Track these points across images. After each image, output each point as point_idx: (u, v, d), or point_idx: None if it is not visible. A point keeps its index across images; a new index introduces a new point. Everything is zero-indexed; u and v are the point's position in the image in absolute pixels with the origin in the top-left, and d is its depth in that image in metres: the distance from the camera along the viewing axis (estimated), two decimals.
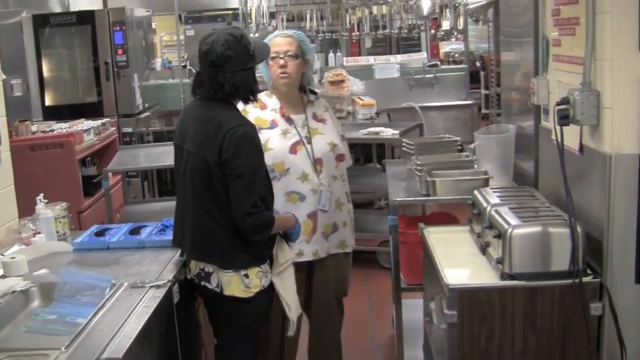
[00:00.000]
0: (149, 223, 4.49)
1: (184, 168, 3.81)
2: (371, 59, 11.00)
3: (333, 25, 11.96)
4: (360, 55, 13.00)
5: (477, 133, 4.85)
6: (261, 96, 4.16)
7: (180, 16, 11.72)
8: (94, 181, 6.88)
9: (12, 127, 6.19)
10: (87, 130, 6.81)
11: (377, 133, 7.29)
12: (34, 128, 6.75)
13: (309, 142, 4.49)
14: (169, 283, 3.55)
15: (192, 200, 3.79)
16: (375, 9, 11.14)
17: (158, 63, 11.44)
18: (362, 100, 8.91)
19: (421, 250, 4.34)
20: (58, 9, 10.41)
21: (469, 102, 10.24)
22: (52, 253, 4.17)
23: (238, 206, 3.63)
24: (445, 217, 5.35)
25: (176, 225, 4.00)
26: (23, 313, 3.50)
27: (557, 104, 3.40)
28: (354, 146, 9.42)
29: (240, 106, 3.91)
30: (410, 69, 10.50)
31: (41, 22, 8.71)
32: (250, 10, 11.12)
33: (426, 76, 10.35)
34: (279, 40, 4.49)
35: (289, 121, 4.52)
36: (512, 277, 3.36)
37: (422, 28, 11.43)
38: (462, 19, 10.53)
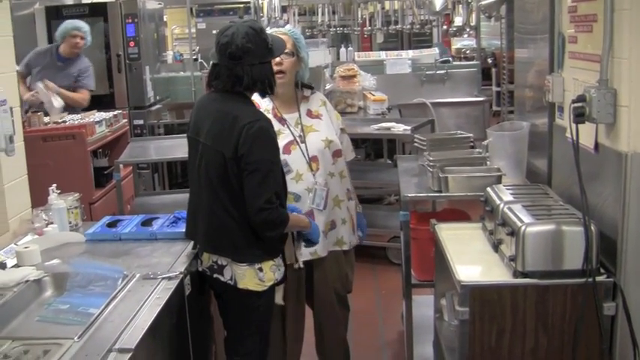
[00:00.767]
0: (161, 215, 4.49)
1: (199, 161, 3.80)
2: (382, 54, 11.00)
3: (345, 20, 11.96)
4: (371, 50, 12.98)
5: (490, 129, 4.84)
6: (253, 96, 4.13)
7: (191, 9, 11.72)
8: (106, 172, 6.87)
9: (24, 118, 6.19)
10: (99, 122, 6.80)
11: (388, 129, 7.27)
12: (46, 119, 6.75)
13: (303, 141, 4.46)
14: (181, 275, 3.56)
15: (207, 193, 3.78)
16: (387, 4, 11.13)
17: (169, 56, 11.45)
18: (373, 95, 8.93)
19: (432, 247, 4.33)
20: (70, 1, 10.43)
21: (481, 99, 10.22)
22: (65, 244, 4.18)
23: (252, 201, 3.61)
24: (456, 213, 5.33)
25: (189, 217, 3.99)
26: (36, 302, 3.52)
27: (573, 102, 3.37)
28: (365, 141, 9.45)
29: None
30: (421, 65, 10.49)
31: (54, 13, 8.73)
32: (262, 3, 11.13)
33: (438, 72, 10.35)
34: None
35: (282, 121, 4.49)
36: (524, 274, 3.35)
37: (434, 23, 11.41)
38: (474, 15, 10.51)
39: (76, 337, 2.85)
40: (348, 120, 7.96)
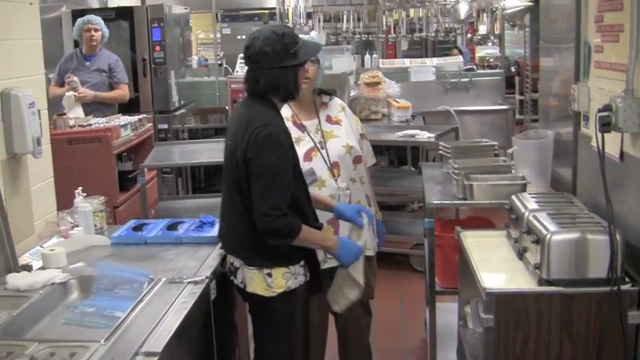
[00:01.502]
0: (186, 219, 4.50)
1: (224, 163, 3.82)
2: (407, 62, 11.01)
3: (369, 27, 11.96)
4: (395, 57, 12.98)
5: (515, 138, 4.84)
6: None
7: (216, 15, 11.78)
8: (130, 176, 6.90)
9: (50, 121, 6.23)
10: (124, 126, 6.83)
11: (413, 136, 7.26)
12: (71, 122, 6.79)
13: (324, 147, 4.46)
14: (207, 280, 3.56)
15: (226, 195, 3.80)
16: (412, 11, 11.12)
17: (194, 60, 11.50)
18: (397, 102, 8.94)
19: (456, 254, 4.33)
20: (95, 4, 10.51)
21: (504, 107, 10.20)
22: (90, 247, 4.20)
23: (256, 206, 3.57)
24: (480, 221, 5.34)
25: (219, 218, 3.99)
26: (62, 304, 3.53)
27: (599, 111, 3.37)
28: (389, 148, 9.45)
29: None
30: (445, 72, 10.49)
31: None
32: (287, 9, 11.15)
33: (462, 79, 10.35)
34: None
35: (301, 128, 4.49)
36: (549, 282, 3.35)
37: (458, 31, 11.40)
38: (498, 24, 10.50)
39: (102, 340, 2.86)
40: (371, 127, 8.00)
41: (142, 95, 9.25)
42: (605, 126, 3.35)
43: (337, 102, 4.72)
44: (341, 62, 9.42)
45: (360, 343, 4.80)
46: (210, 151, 6.54)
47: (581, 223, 3.51)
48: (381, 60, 11.33)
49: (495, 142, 5.27)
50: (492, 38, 10.91)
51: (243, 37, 11.86)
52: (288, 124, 4.26)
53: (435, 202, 4.63)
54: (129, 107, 8.24)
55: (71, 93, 7.20)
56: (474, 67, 11.86)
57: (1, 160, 3.99)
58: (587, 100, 3.99)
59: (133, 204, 6.72)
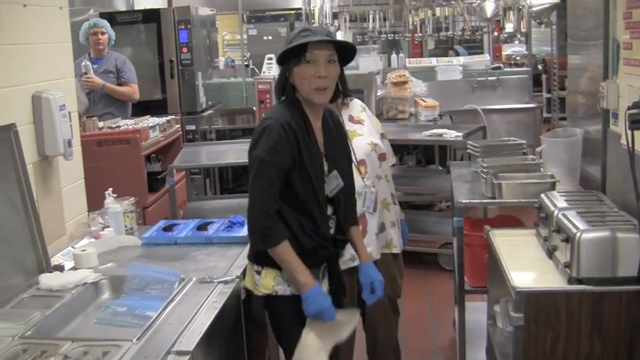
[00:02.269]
0: (216, 219, 4.52)
1: None
2: (433, 61, 11.01)
3: (396, 26, 11.94)
4: (421, 56, 12.96)
5: (544, 136, 4.83)
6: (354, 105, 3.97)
7: (243, 16, 11.81)
8: (159, 177, 6.94)
9: (79, 123, 6.27)
10: (152, 127, 6.88)
11: (440, 135, 7.25)
12: (100, 124, 6.84)
13: (350, 145, 4.45)
14: (237, 279, 3.58)
15: None
16: (437, 10, 11.10)
17: (221, 62, 11.54)
18: (424, 101, 8.93)
19: (485, 253, 4.33)
20: (122, 7, 10.57)
21: (532, 105, 10.18)
22: (121, 247, 4.25)
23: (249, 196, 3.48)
24: (509, 220, 5.33)
25: None
26: (93, 304, 3.57)
27: (629, 108, 3.35)
28: (416, 147, 9.45)
29: None
30: (472, 71, 10.48)
31: (107, 20, 8.83)
32: (313, 10, 11.17)
33: (489, 78, 10.33)
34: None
35: None
36: (579, 281, 3.33)
37: (485, 30, 11.38)
38: (525, 22, 10.47)
39: (134, 339, 2.88)
40: (399, 126, 8.02)
41: (169, 97, 9.29)
42: (635, 123, 3.33)
43: (357, 102, 4.69)
44: (367, 62, 9.40)
45: (389, 342, 4.80)
46: (238, 152, 6.54)
47: (610, 222, 3.49)
48: (407, 59, 11.32)
49: (523, 141, 5.27)
50: (519, 36, 10.86)
51: (270, 37, 11.91)
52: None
53: (463, 201, 4.63)
54: (157, 109, 8.29)
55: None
56: (501, 65, 11.80)
57: (33, 162, 4.02)
58: (616, 98, 3.98)
59: (162, 205, 6.76)
